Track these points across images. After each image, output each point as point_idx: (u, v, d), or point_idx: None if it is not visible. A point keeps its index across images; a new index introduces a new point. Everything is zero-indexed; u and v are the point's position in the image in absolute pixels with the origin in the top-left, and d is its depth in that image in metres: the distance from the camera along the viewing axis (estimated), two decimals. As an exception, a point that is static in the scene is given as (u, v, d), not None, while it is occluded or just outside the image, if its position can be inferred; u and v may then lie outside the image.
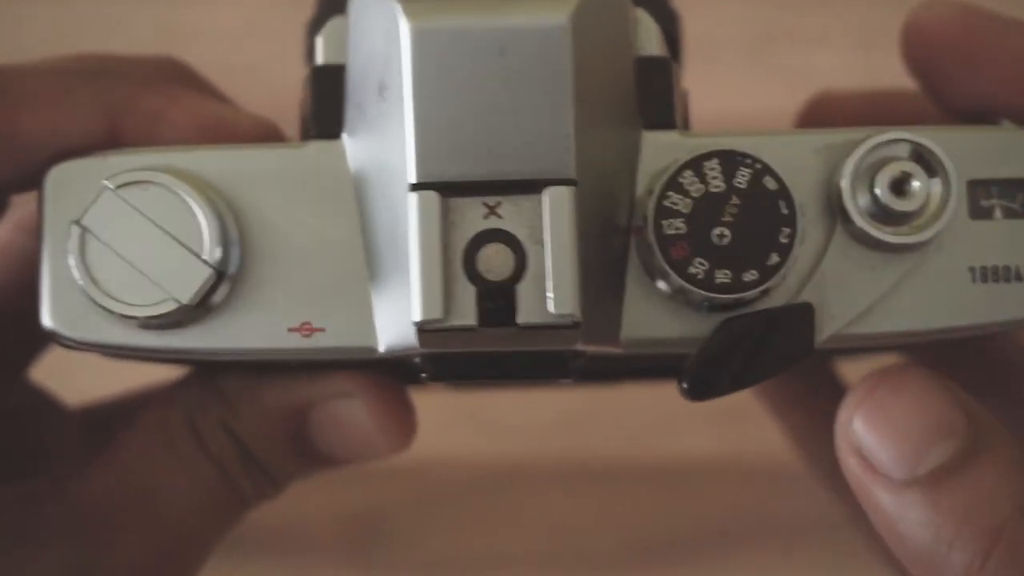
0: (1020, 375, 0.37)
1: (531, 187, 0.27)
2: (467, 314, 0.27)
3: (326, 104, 0.30)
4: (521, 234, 0.27)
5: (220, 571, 0.43)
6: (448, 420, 0.51)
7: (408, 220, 0.27)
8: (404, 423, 0.33)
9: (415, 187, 0.27)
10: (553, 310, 0.27)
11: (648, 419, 0.42)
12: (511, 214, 0.27)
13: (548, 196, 0.27)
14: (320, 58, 0.30)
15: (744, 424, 0.38)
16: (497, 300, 0.27)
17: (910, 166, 0.28)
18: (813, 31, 0.56)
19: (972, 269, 0.29)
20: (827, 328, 0.29)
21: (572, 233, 0.27)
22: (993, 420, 0.28)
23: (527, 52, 0.27)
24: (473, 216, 0.27)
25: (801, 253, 0.28)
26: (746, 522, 0.37)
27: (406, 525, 0.53)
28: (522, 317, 0.27)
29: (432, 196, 0.27)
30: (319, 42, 0.30)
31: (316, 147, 0.29)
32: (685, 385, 0.28)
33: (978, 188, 0.29)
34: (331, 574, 0.53)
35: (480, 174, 0.27)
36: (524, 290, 0.27)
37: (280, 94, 0.35)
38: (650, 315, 0.29)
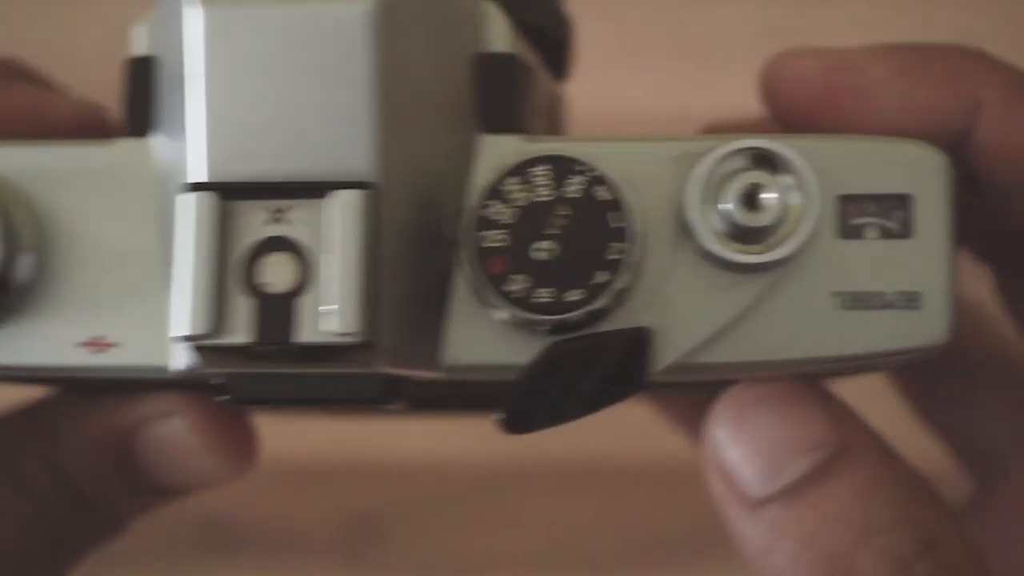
0: (985, 375, 0.35)
1: (323, 190, 0.25)
2: (241, 330, 0.24)
3: (134, 99, 0.27)
4: (308, 243, 0.24)
5: (219, 571, 0.43)
6: (447, 420, 0.50)
7: (178, 225, 0.24)
8: (238, 445, 0.31)
9: (193, 187, 0.25)
10: (336, 328, 0.24)
11: (648, 419, 0.42)
12: (300, 220, 0.25)
13: (338, 200, 0.24)
14: (134, 49, 0.28)
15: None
16: (275, 315, 0.24)
17: (762, 176, 0.26)
18: (817, 30, 0.56)
19: (837, 294, 0.26)
20: (667, 356, 0.26)
21: (363, 242, 0.24)
22: (864, 434, 0.27)
23: (323, 43, 0.25)
24: (254, 222, 0.25)
25: (647, 271, 0.26)
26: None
27: (405, 525, 0.53)
28: (300, 335, 0.24)
29: (208, 198, 0.24)
30: (134, 32, 0.28)
31: (123, 146, 0.27)
32: (501, 417, 0.26)
33: (850, 204, 0.26)
34: (330, 574, 0.53)
35: (267, 175, 0.25)
36: (305, 305, 0.24)
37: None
38: (476, 338, 0.26)
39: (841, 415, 0.27)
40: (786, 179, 0.26)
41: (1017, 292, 0.33)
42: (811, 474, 0.26)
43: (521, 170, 0.26)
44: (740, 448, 0.26)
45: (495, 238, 0.25)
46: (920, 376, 0.36)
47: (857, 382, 0.32)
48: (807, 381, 0.27)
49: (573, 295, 0.25)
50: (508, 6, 0.29)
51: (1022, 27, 0.56)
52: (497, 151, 0.27)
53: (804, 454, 0.26)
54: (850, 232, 0.26)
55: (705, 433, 0.27)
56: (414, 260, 0.26)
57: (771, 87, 0.29)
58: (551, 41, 0.32)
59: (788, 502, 0.26)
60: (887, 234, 0.26)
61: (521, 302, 0.25)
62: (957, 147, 0.28)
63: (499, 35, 0.28)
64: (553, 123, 0.33)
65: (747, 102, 0.31)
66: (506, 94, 0.27)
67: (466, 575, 0.53)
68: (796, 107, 0.29)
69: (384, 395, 0.27)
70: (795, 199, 0.26)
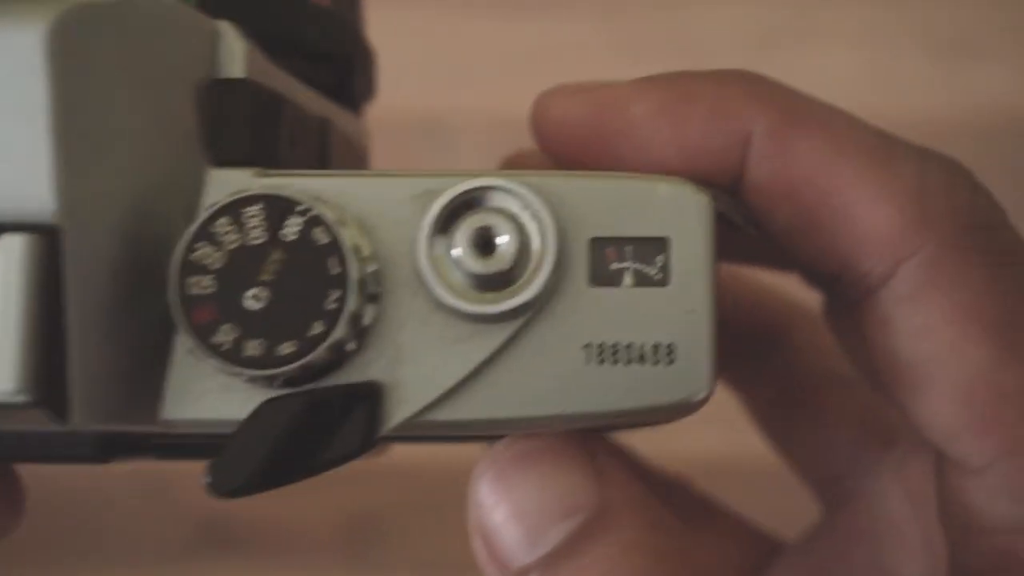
0: (824, 389, 0.35)
1: None
2: None
3: None
4: None
5: (219, 571, 0.43)
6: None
7: None
8: None
9: None
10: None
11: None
12: None
13: (1, 246, 0.22)
14: None
15: (744, 424, 0.38)
16: None
17: (493, 218, 0.24)
18: (815, 31, 0.56)
19: (588, 347, 0.24)
20: (399, 413, 0.24)
21: (28, 292, 0.22)
22: (627, 490, 0.25)
23: None
24: None
25: (384, 320, 0.24)
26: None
27: (405, 525, 0.53)
28: None
29: None
30: None
31: None
32: (207, 480, 0.23)
33: (607, 248, 0.24)
34: (330, 574, 0.53)
35: None
36: None
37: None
38: (197, 390, 0.24)
39: (605, 471, 0.25)
40: (525, 220, 0.24)
41: (832, 313, 0.32)
42: (569, 541, 0.25)
43: (232, 210, 0.23)
44: (501, 512, 0.25)
45: (202, 284, 0.23)
46: (766, 402, 0.36)
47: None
48: (574, 435, 0.26)
49: (286, 348, 0.23)
50: (270, 29, 0.27)
51: (1022, 27, 0.56)
52: (222, 187, 0.25)
53: (563, 519, 0.25)
54: (605, 279, 0.24)
55: (470, 493, 0.26)
56: (127, 308, 0.24)
57: (538, 127, 0.28)
58: (340, 67, 0.30)
59: (546, 573, 0.25)
60: (643, 281, 0.24)
61: (229, 355, 0.23)
62: (734, 186, 0.27)
63: (232, 59, 0.26)
64: (349, 155, 0.31)
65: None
66: (237, 122, 0.25)
67: (466, 575, 0.53)
68: (564, 148, 0.27)
69: (100, 453, 0.25)
70: (535, 243, 0.24)
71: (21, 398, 0.22)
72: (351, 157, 0.32)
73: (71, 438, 0.25)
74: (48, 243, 0.22)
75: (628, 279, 0.24)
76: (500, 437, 0.26)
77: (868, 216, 0.26)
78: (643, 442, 0.37)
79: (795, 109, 0.26)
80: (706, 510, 0.37)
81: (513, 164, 0.32)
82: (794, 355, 0.35)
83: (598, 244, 0.24)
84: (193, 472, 0.38)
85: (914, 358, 0.26)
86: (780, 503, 0.38)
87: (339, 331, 0.23)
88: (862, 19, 0.56)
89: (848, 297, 0.27)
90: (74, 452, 0.25)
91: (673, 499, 0.36)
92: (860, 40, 0.56)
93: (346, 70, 0.31)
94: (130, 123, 0.24)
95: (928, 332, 0.25)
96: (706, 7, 0.55)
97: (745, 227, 0.28)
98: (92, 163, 0.23)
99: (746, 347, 0.35)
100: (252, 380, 0.24)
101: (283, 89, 0.27)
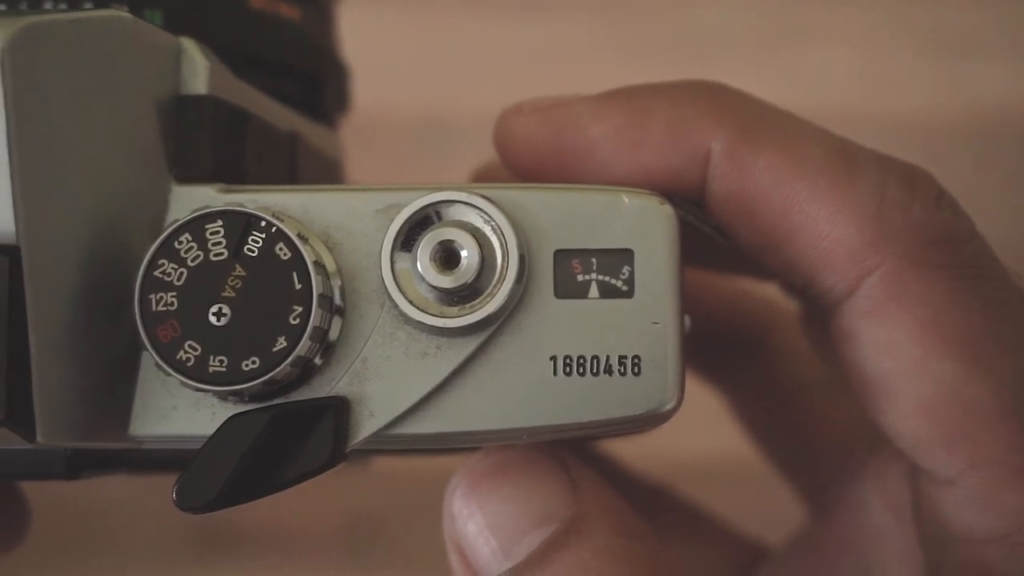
0: (807, 395, 0.35)
1: None
2: None
3: None
4: None
5: (218, 571, 0.43)
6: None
7: None
8: None
9: None
10: None
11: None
12: None
13: None
14: None
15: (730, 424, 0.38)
16: None
17: (455, 232, 0.24)
18: (815, 31, 0.56)
19: (555, 359, 0.24)
20: (366, 427, 0.24)
21: None
22: (602, 501, 0.26)
23: None
24: None
25: (351, 335, 0.24)
26: (746, 522, 0.37)
27: (405, 525, 0.53)
28: None
29: None
30: None
31: None
32: (174, 497, 0.23)
33: (573, 260, 0.24)
34: (330, 574, 0.53)
35: None
36: None
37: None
38: (164, 407, 0.24)
39: (580, 482, 0.26)
40: (487, 234, 0.24)
41: (807, 321, 0.33)
42: (542, 550, 0.25)
43: (193, 227, 0.24)
44: (475, 523, 0.26)
45: (164, 301, 0.23)
46: (750, 406, 0.36)
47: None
48: (546, 445, 0.26)
49: (249, 364, 0.23)
50: (235, 44, 0.27)
51: (1022, 27, 0.56)
52: (185, 203, 0.25)
53: (536, 529, 0.25)
54: (571, 291, 0.24)
55: (444, 506, 0.26)
56: (92, 325, 0.23)
57: (500, 146, 0.28)
58: (309, 81, 0.30)
59: None
60: (608, 293, 0.24)
61: (193, 372, 0.23)
62: (698, 199, 0.27)
63: (194, 75, 0.26)
64: (321, 169, 0.31)
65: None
66: (200, 138, 0.25)
67: (466, 575, 0.53)
68: (526, 166, 0.28)
69: (73, 470, 0.25)
70: (498, 256, 0.24)
71: None
72: (322, 171, 0.32)
73: (41, 455, 0.25)
74: (8, 264, 0.22)
75: (594, 291, 0.24)
76: (474, 448, 0.26)
77: (827, 233, 0.26)
78: (642, 441, 0.37)
79: (753, 125, 0.26)
80: (689, 517, 0.37)
81: (483, 177, 0.32)
82: (777, 360, 0.35)
83: (563, 256, 0.24)
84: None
85: (879, 373, 0.26)
86: (780, 503, 0.38)
87: (302, 346, 0.23)
88: (862, 19, 0.56)
89: (818, 307, 0.27)
90: (43, 469, 0.25)
91: (655, 506, 0.36)
92: (860, 40, 0.56)
93: (315, 84, 0.31)
94: (91, 141, 0.24)
95: (892, 347, 0.25)
96: (706, 7, 0.55)
97: (714, 237, 0.28)
98: (52, 183, 0.23)
99: (729, 351, 0.35)
100: (218, 396, 0.24)
101: (249, 104, 0.27)
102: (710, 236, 0.28)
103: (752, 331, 0.35)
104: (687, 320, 0.25)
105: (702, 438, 0.47)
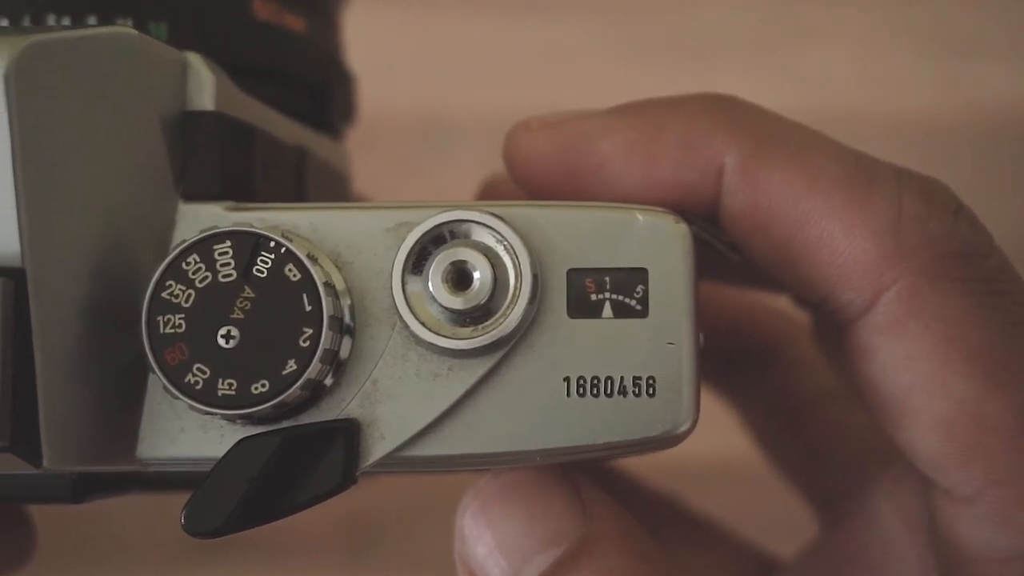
0: (820, 406, 0.34)
1: None
2: None
3: None
4: None
5: (219, 571, 0.43)
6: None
7: None
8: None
9: None
10: None
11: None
12: None
13: None
14: None
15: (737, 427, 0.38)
16: None
17: (467, 252, 0.24)
18: (815, 31, 0.56)
19: (568, 380, 0.24)
20: (377, 450, 0.24)
21: None
22: (613, 521, 0.25)
23: None
24: None
25: (361, 356, 0.24)
26: (747, 522, 0.37)
27: (405, 525, 0.53)
28: None
29: None
30: None
31: None
32: (183, 521, 0.23)
33: (586, 279, 0.24)
34: (330, 574, 0.53)
35: None
36: None
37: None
38: (172, 429, 0.24)
39: (590, 503, 0.26)
40: (500, 253, 0.24)
41: (820, 334, 0.32)
42: (553, 572, 0.25)
43: (201, 247, 0.23)
44: (484, 544, 0.25)
45: (172, 323, 0.23)
46: (761, 417, 0.35)
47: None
48: (557, 466, 0.26)
49: (259, 387, 0.23)
50: (240, 58, 0.27)
51: (1022, 27, 0.56)
52: (193, 222, 0.24)
53: (545, 550, 0.25)
54: (584, 310, 0.24)
55: (455, 527, 0.26)
56: (98, 347, 0.23)
57: (509, 163, 0.28)
58: (315, 93, 0.30)
59: None
60: (622, 312, 0.24)
61: (202, 395, 0.23)
62: (712, 215, 0.26)
63: (201, 91, 0.25)
64: (328, 182, 0.31)
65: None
66: (207, 156, 0.25)
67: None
68: (537, 184, 0.27)
69: (78, 493, 0.25)
70: (511, 276, 0.24)
71: None
72: (330, 184, 0.31)
73: (46, 479, 0.24)
74: (14, 287, 0.22)
75: (607, 310, 0.24)
76: (485, 469, 0.26)
77: (843, 248, 0.25)
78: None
79: (767, 139, 0.26)
80: (699, 529, 0.36)
81: (491, 190, 0.32)
82: (789, 371, 0.35)
83: (576, 275, 0.24)
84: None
85: (896, 389, 0.26)
86: (781, 503, 0.38)
87: (313, 369, 0.23)
88: (862, 19, 0.56)
89: (833, 321, 0.27)
90: (48, 493, 0.25)
91: (663, 516, 0.36)
92: (860, 40, 0.56)
93: (322, 94, 0.30)
94: (97, 159, 0.23)
95: (909, 363, 0.25)
96: (706, 7, 0.55)
97: (727, 254, 0.28)
98: (58, 202, 0.22)
99: (741, 363, 0.35)
100: (227, 419, 0.24)
101: (256, 119, 0.27)
102: (723, 253, 0.28)
103: (764, 342, 0.35)
104: (701, 338, 0.25)
105: (702, 440, 0.47)
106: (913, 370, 0.25)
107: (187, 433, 0.24)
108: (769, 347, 0.35)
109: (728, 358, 0.35)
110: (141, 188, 0.24)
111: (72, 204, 0.23)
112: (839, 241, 0.25)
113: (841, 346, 0.27)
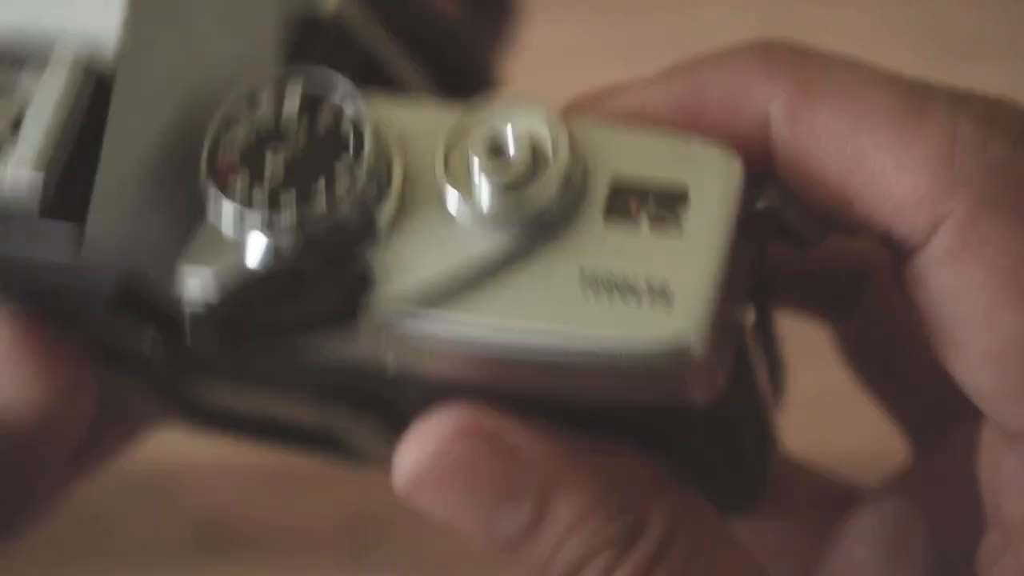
0: (910, 336, 0.33)
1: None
2: None
3: None
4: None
5: (219, 571, 0.43)
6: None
7: None
8: (44, 363, 0.29)
9: None
10: (14, 173, 0.23)
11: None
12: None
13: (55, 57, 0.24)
14: None
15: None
16: None
17: (511, 129, 0.25)
18: (815, 31, 0.56)
19: (586, 273, 0.24)
20: (386, 298, 0.25)
21: (66, 104, 0.24)
22: (568, 461, 0.26)
23: None
24: None
25: (395, 222, 0.25)
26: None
27: (405, 525, 0.53)
28: None
29: None
30: None
31: None
32: (195, 326, 0.25)
33: (628, 189, 0.25)
34: (330, 574, 0.53)
35: None
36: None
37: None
38: (215, 250, 0.25)
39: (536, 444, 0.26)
40: (546, 138, 0.25)
41: (847, 340, 0.32)
42: (527, 522, 0.26)
43: (276, 83, 0.25)
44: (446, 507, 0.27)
45: (234, 142, 0.25)
46: (854, 340, 0.35)
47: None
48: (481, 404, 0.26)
49: (297, 216, 0.24)
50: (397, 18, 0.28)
51: (1022, 27, 0.56)
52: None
53: (512, 502, 0.26)
54: (620, 218, 0.24)
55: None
56: (162, 164, 0.25)
57: None
58: (443, 71, 0.31)
59: (512, 552, 0.26)
60: (657, 227, 0.24)
61: (243, 199, 0.25)
62: (768, 166, 0.26)
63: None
64: None
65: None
66: (315, 62, 0.26)
67: (466, 575, 0.53)
68: None
69: (117, 300, 0.26)
70: (551, 160, 0.25)
71: (33, 194, 0.23)
72: None
73: (92, 276, 0.25)
74: (101, 80, 0.23)
75: (644, 223, 0.24)
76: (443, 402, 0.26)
77: (895, 183, 0.25)
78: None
79: (809, 81, 0.26)
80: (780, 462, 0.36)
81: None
82: (881, 298, 0.34)
83: (619, 183, 0.25)
84: (193, 471, 0.38)
85: (950, 321, 0.25)
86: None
87: (351, 212, 0.24)
88: (862, 19, 0.56)
89: (899, 256, 0.26)
90: (94, 290, 0.26)
91: None
92: (860, 40, 0.56)
93: (447, 74, 0.31)
94: (208, 23, 0.25)
95: (962, 295, 0.25)
96: (706, 7, 0.55)
97: (807, 238, 0.27)
98: (161, 28, 0.24)
99: (832, 288, 0.34)
100: (263, 244, 0.25)
101: (376, 46, 0.28)
102: (797, 241, 0.27)
103: (856, 269, 0.34)
104: (751, 313, 0.25)
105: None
106: (965, 302, 0.25)
107: (224, 256, 0.25)
108: (861, 274, 0.34)
109: (818, 283, 0.34)
110: (244, 69, 0.26)
111: (173, 38, 0.25)
112: (891, 177, 0.25)
113: (903, 279, 0.26)
